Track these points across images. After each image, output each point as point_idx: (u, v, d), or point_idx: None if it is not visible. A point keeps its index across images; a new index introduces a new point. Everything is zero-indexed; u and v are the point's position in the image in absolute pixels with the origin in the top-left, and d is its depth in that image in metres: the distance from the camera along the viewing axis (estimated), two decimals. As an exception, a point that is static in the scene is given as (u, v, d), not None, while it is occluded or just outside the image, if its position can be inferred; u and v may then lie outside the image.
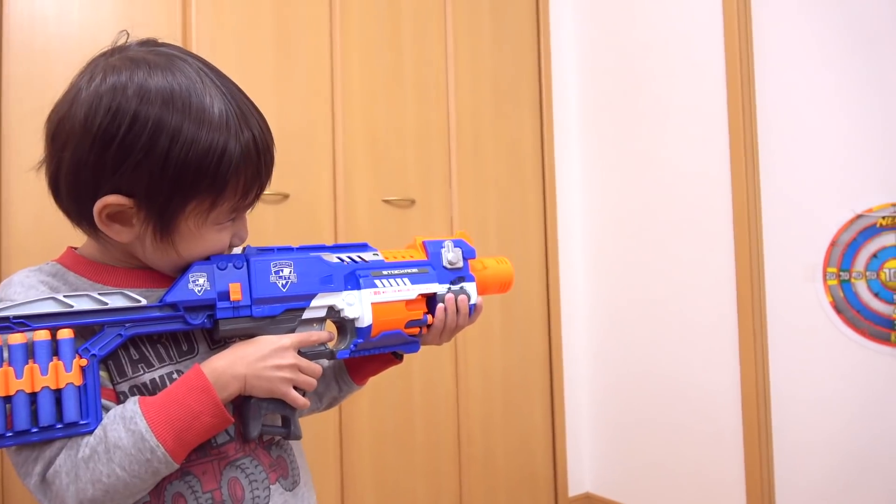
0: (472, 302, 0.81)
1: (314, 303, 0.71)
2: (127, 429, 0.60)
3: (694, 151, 2.03)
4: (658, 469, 2.13)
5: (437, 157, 2.06)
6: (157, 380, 0.66)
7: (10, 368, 0.57)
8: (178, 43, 0.70)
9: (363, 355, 0.76)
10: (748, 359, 1.87)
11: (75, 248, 0.72)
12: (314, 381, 0.70)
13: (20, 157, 1.47)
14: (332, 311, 0.73)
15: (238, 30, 1.72)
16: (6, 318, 0.58)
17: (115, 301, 0.62)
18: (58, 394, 0.59)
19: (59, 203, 0.66)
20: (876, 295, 1.65)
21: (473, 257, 0.84)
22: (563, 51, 2.39)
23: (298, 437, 0.71)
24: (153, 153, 0.61)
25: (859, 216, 1.68)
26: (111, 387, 0.65)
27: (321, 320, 0.73)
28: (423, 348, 0.81)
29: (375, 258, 0.76)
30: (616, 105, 2.27)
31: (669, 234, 2.10)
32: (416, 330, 0.77)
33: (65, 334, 0.60)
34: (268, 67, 1.75)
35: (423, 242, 0.81)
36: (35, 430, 0.58)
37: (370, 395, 1.88)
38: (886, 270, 1.63)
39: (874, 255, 1.65)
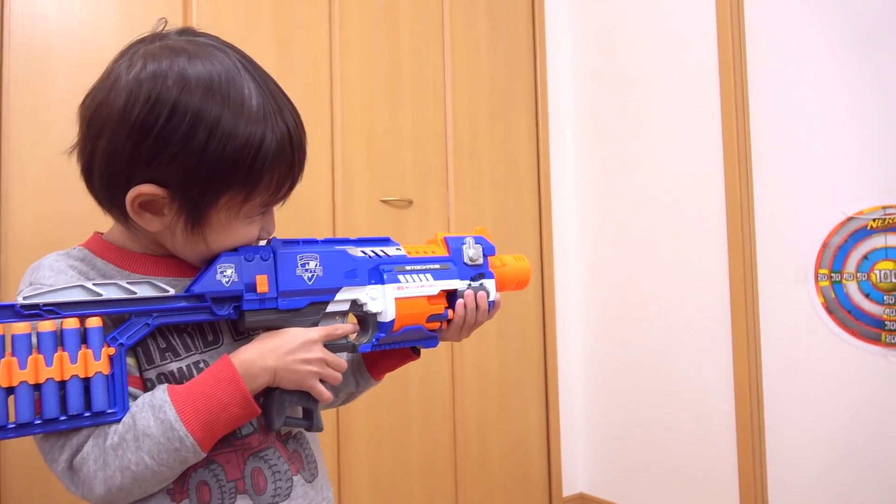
0: (491, 298, 0.82)
1: (338, 296, 0.72)
2: (156, 417, 0.61)
3: (687, 153, 2.06)
4: (652, 469, 2.15)
5: (435, 158, 2.08)
6: (185, 369, 0.66)
7: (41, 356, 0.58)
8: None
9: (383, 349, 0.77)
10: (741, 359, 1.90)
11: (101, 234, 0.72)
12: (339, 376, 0.71)
13: (20, 155, 1.46)
14: (355, 305, 0.73)
15: (237, 30, 1.72)
16: (36, 306, 0.58)
17: (143, 290, 0.63)
18: (86, 382, 0.60)
19: (91, 189, 0.66)
20: (867, 296, 1.69)
21: (493, 254, 0.85)
22: (557, 54, 2.41)
23: (320, 430, 0.72)
24: (190, 145, 0.61)
25: (850, 218, 1.71)
26: (138, 374, 0.65)
27: (344, 314, 0.73)
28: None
29: (398, 253, 0.77)
30: (610, 108, 2.30)
31: (663, 236, 2.13)
32: (436, 325, 0.78)
33: (94, 323, 0.60)
34: (267, 68, 1.75)
35: (445, 238, 0.82)
36: (63, 417, 0.59)
37: (367, 394, 1.88)
38: (877, 272, 1.67)
39: (865, 257, 1.69)
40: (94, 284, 0.61)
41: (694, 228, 2.04)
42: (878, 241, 1.67)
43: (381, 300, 0.74)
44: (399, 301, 0.74)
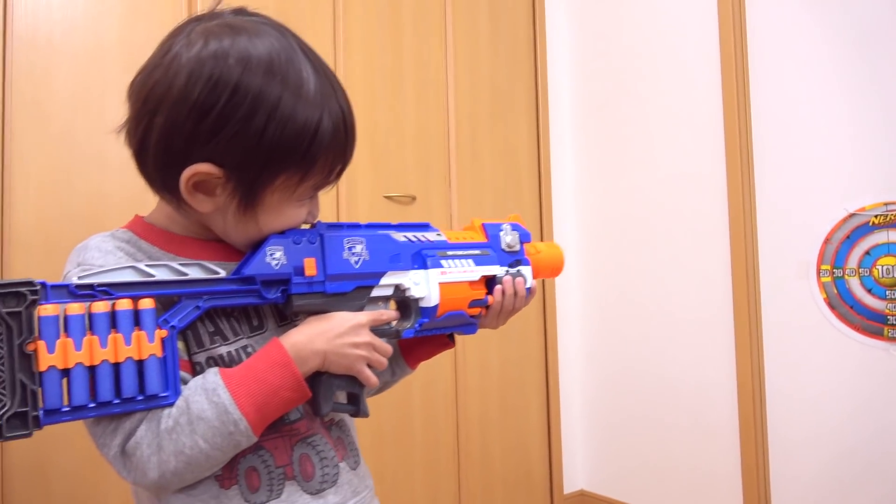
0: (528, 285, 0.82)
1: (383, 281, 0.71)
2: (210, 400, 0.59)
3: (689, 152, 2.07)
4: (653, 466, 2.16)
5: (437, 155, 2.07)
6: (234, 353, 0.65)
7: (95, 337, 0.56)
8: None
9: (424, 336, 0.76)
10: (744, 355, 1.92)
11: (143, 217, 0.70)
12: (385, 361, 0.70)
13: (22, 149, 1.43)
14: (398, 290, 0.73)
15: (244, 23, 1.70)
16: (90, 286, 0.57)
17: (194, 272, 0.62)
18: (139, 365, 0.58)
19: (143, 168, 0.65)
20: (869, 291, 1.71)
21: (529, 241, 0.85)
22: (557, 54, 2.42)
23: (367, 415, 0.71)
24: (250, 126, 0.60)
25: (852, 215, 1.74)
26: (187, 358, 0.64)
27: (387, 299, 0.73)
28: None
29: (439, 238, 0.77)
30: (610, 108, 2.31)
31: (664, 234, 2.14)
32: (477, 310, 0.78)
33: (146, 304, 0.59)
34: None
35: (483, 224, 0.82)
36: (117, 401, 0.57)
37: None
38: (879, 267, 1.69)
39: (867, 253, 1.71)
40: (146, 265, 0.60)
41: (695, 227, 2.06)
42: (880, 237, 1.69)
43: (424, 285, 0.73)
44: (442, 286, 0.74)
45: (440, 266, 0.74)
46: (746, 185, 1.93)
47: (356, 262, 0.69)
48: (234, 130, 0.60)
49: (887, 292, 1.68)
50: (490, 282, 0.79)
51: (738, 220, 1.94)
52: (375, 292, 0.71)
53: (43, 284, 0.55)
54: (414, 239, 0.74)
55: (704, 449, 2.03)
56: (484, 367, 2.14)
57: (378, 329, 0.71)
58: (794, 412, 1.85)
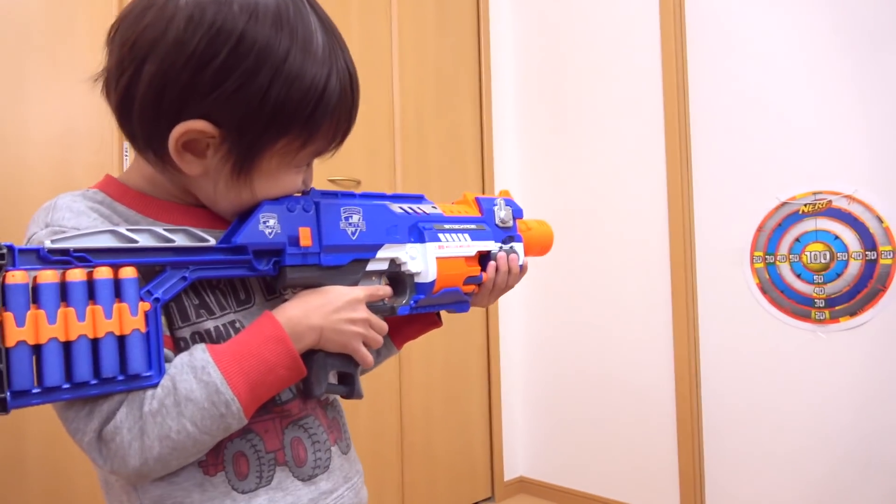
0: (520, 262, 0.79)
1: (379, 254, 0.67)
2: (199, 379, 0.53)
3: (630, 142, 2.11)
4: (591, 450, 2.20)
5: (383, 140, 2.02)
6: (221, 328, 0.59)
7: (71, 309, 0.49)
8: None
9: (414, 314, 0.72)
10: (681, 339, 1.98)
11: (115, 177, 0.63)
12: (381, 339, 0.66)
13: None
14: (393, 264, 0.68)
15: None
16: (65, 251, 0.50)
17: (180, 239, 0.55)
18: (121, 341, 0.52)
19: (125, 122, 0.57)
20: (798, 276, 1.80)
21: (521, 217, 0.82)
22: (502, 41, 2.42)
23: (361, 397, 0.66)
24: (254, 82, 0.54)
25: (783, 203, 1.82)
26: (168, 333, 0.57)
27: (381, 273, 0.68)
28: None
29: (434, 211, 0.73)
30: (554, 95, 2.33)
31: (605, 222, 2.18)
32: (472, 287, 0.74)
33: (128, 273, 0.52)
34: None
35: (477, 199, 0.78)
36: (95, 381, 0.50)
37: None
38: (808, 253, 1.78)
39: (797, 240, 1.80)
40: (127, 230, 0.53)
41: (635, 215, 2.10)
42: (808, 225, 1.78)
43: (420, 259, 0.69)
44: (440, 261, 0.70)
45: (438, 240, 0.70)
46: (685, 175, 1.99)
47: (353, 234, 0.64)
48: (235, 86, 0.53)
49: (815, 277, 1.77)
50: (483, 258, 0.76)
51: (676, 209, 1.99)
52: (371, 266, 0.66)
53: (10, 248, 0.47)
54: (410, 211, 0.70)
55: (642, 432, 2.08)
56: (428, 359, 2.11)
57: (372, 305, 0.66)
58: (727, 392, 1.92)
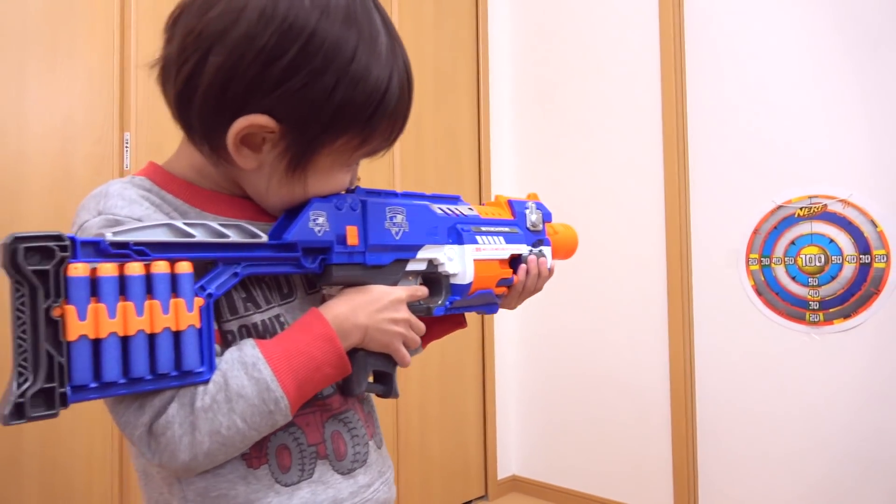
0: (548, 266, 0.80)
1: (419, 254, 0.67)
2: (250, 376, 0.53)
3: (628, 143, 2.13)
4: (585, 448, 2.22)
5: (381, 136, 2.02)
6: (267, 322, 0.59)
7: (130, 303, 0.48)
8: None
9: (451, 314, 0.72)
10: (676, 339, 2.00)
11: (159, 164, 0.62)
12: (419, 340, 0.66)
13: None
14: (431, 265, 0.68)
15: None
16: (125, 244, 0.49)
17: (234, 235, 0.55)
18: (177, 337, 0.51)
19: (183, 112, 0.56)
20: (793, 278, 1.83)
21: (550, 220, 0.82)
22: (500, 40, 2.42)
23: (397, 396, 0.66)
24: (321, 80, 0.53)
25: (779, 207, 1.85)
26: (216, 326, 0.57)
27: (418, 274, 0.68)
28: None
29: (471, 213, 0.73)
30: (551, 94, 2.34)
31: (602, 223, 2.19)
32: (503, 290, 0.75)
33: (184, 268, 0.51)
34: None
35: (510, 201, 0.79)
36: (150, 377, 0.50)
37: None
38: (803, 256, 1.81)
39: (792, 243, 1.83)
40: (184, 223, 0.52)
41: (632, 215, 2.12)
42: (804, 228, 1.81)
43: (458, 261, 0.69)
44: (476, 263, 0.70)
45: (475, 242, 0.70)
46: (682, 177, 2.01)
47: (397, 233, 0.64)
48: (301, 83, 0.53)
49: (809, 280, 1.80)
50: (514, 261, 0.77)
51: (673, 211, 2.01)
52: (410, 266, 0.66)
53: (72, 239, 0.46)
54: (448, 212, 0.70)
55: (636, 432, 2.10)
56: (423, 357, 2.11)
57: (410, 305, 0.66)
58: (722, 392, 1.95)
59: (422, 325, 0.66)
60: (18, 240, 0.44)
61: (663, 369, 2.04)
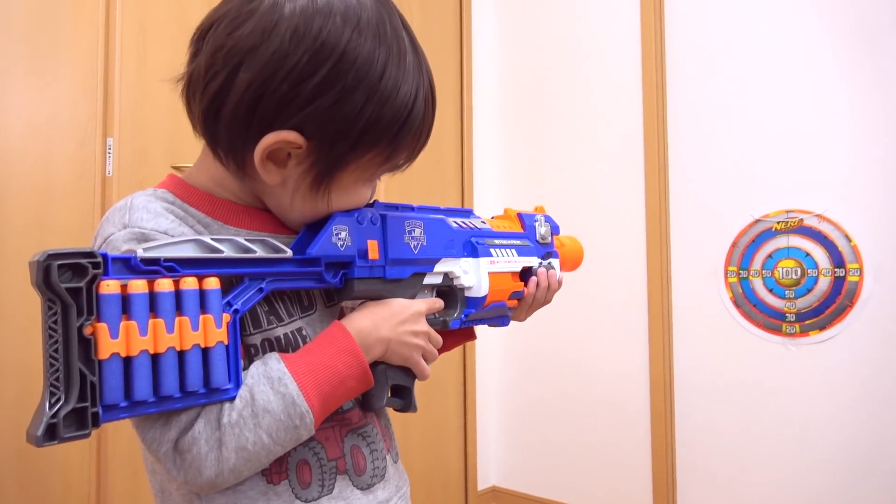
0: (557, 278, 0.81)
1: (436, 268, 0.67)
2: (276, 391, 0.53)
3: (610, 155, 2.16)
4: (565, 461, 2.23)
5: (366, 146, 2.02)
6: (290, 335, 0.59)
7: (160, 320, 0.48)
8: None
9: (462, 327, 0.72)
10: (657, 351, 2.03)
11: (179, 175, 0.61)
12: (436, 353, 0.66)
13: None
14: (446, 278, 0.69)
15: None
16: (155, 261, 0.48)
17: (260, 249, 0.55)
18: (205, 354, 0.50)
19: (210, 127, 0.55)
20: (770, 291, 1.87)
21: (558, 233, 0.84)
22: (483, 53, 2.44)
23: (415, 410, 0.66)
24: (351, 98, 0.53)
25: (757, 220, 1.89)
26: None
27: (433, 287, 0.69)
28: None
29: (484, 226, 0.74)
30: (535, 106, 2.36)
31: (584, 233, 2.20)
32: (515, 302, 0.76)
33: (212, 284, 0.51)
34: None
35: (519, 214, 0.80)
36: (178, 395, 0.49)
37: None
38: (780, 269, 1.86)
39: (769, 256, 1.87)
40: (211, 239, 0.52)
41: (614, 227, 2.15)
42: (781, 242, 1.86)
43: (473, 274, 0.70)
44: (490, 276, 0.71)
45: (490, 255, 0.71)
46: (663, 190, 2.05)
47: (415, 247, 0.65)
48: (331, 101, 0.53)
49: (786, 292, 1.85)
50: (524, 273, 0.77)
51: (654, 224, 2.05)
52: (427, 279, 0.67)
53: (104, 256, 0.46)
54: (463, 225, 0.71)
55: (616, 443, 2.12)
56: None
57: (427, 318, 0.67)
58: (700, 402, 1.98)
59: (439, 338, 0.66)
60: (52, 257, 0.43)
61: (644, 381, 2.06)
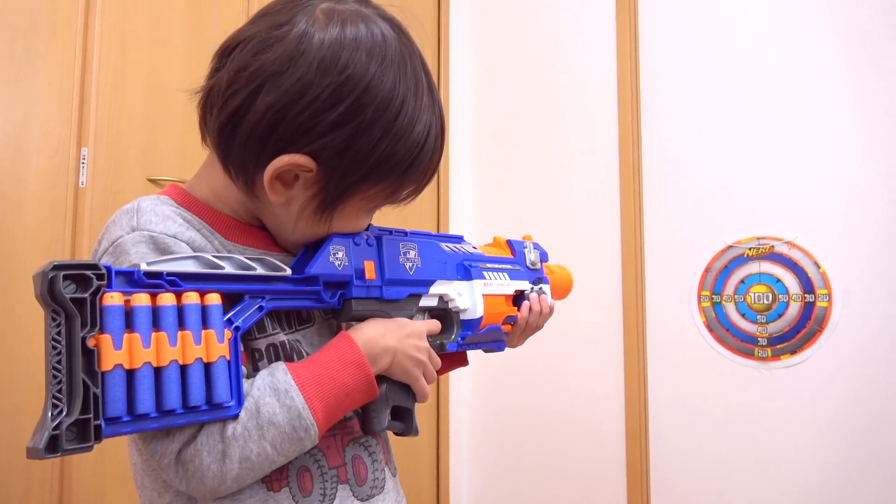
0: (549, 303, 0.82)
1: (431, 290, 0.68)
2: (282, 403, 0.53)
3: (585, 184, 2.20)
4: (539, 484, 2.23)
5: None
6: (292, 342, 0.60)
7: (163, 333, 0.48)
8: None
9: (461, 350, 0.73)
10: (632, 374, 2.05)
11: (181, 186, 0.62)
12: (435, 375, 0.67)
13: None
14: (441, 301, 0.70)
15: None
16: (158, 275, 0.48)
17: (261, 268, 0.55)
18: (207, 369, 0.51)
19: (224, 143, 0.56)
20: (742, 315, 1.91)
21: (547, 260, 0.85)
22: (460, 78, 2.48)
23: (417, 433, 0.67)
24: (368, 133, 0.55)
25: (730, 247, 1.94)
26: (242, 347, 0.57)
27: (427, 310, 0.69)
28: None
29: (475, 251, 0.75)
30: (512, 136, 2.40)
31: (559, 259, 2.24)
32: (510, 327, 0.77)
33: (213, 300, 0.51)
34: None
35: (508, 241, 0.81)
36: (181, 410, 0.49)
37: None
38: (752, 294, 1.90)
39: (741, 281, 1.92)
40: (213, 256, 0.52)
41: (589, 252, 2.18)
42: (753, 268, 1.90)
43: (467, 296, 0.71)
44: (485, 298, 0.72)
45: (483, 277, 0.72)
46: (637, 217, 2.09)
47: (410, 268, 0.66)
48: (349, 133, 0.54)
49: (758, 317, 1.89)
50: (517, 299, 0.79)
51: (629, 249, 2.08)
52: (423, 301, 0.68)
53: (108, 268, 0.46)
54: (455, 250, 0.72)
55: (591, 467, 2.13)
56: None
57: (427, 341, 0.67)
58: (674, 424, 2.01)
59: (438, 360, 0.67)
60: (57, 268, 0.43)
61: (619, 404, 2.08)
